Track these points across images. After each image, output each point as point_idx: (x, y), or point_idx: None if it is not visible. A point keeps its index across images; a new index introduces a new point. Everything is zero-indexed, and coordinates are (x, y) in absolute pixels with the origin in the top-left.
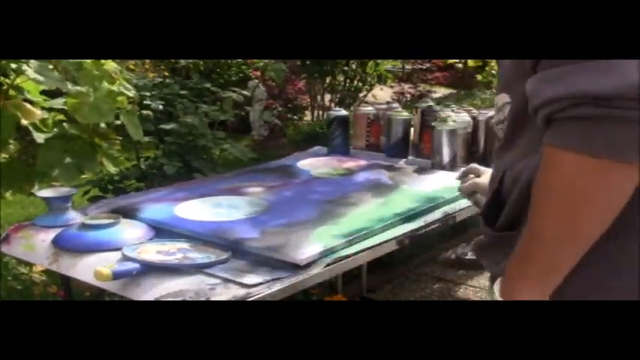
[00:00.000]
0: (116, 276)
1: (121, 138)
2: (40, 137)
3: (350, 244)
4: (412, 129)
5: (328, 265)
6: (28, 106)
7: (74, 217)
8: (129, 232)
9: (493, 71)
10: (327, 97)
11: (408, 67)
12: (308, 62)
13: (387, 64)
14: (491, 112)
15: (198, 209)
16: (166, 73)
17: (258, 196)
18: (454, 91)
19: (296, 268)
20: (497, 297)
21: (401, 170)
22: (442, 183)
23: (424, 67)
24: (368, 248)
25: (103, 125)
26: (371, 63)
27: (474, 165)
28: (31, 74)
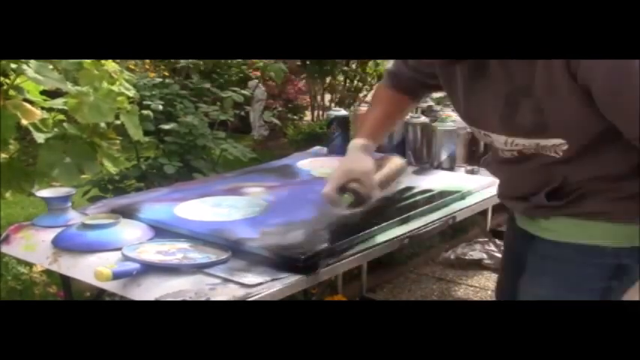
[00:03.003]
0: (116, 276)
1: (121, 138)
2: (40, 137)
3: (350, 244)
4: None
5: (328, 265)
6: (28, 106)
7: (74, 217)
8: (129, 232)
9: None
10: (327, 97)
11: None
12: (308, 62)
13: (387, 64)
14: None
15: (198, 209)
16: (166, 73)
17: (258, 196)
18: None
19: (296, 268)
20: None
21: None
22: (442, 183)
23: None
24: (368, 248)
25: (102, 125)
26: (371, 63)
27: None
28: (31, 74)
